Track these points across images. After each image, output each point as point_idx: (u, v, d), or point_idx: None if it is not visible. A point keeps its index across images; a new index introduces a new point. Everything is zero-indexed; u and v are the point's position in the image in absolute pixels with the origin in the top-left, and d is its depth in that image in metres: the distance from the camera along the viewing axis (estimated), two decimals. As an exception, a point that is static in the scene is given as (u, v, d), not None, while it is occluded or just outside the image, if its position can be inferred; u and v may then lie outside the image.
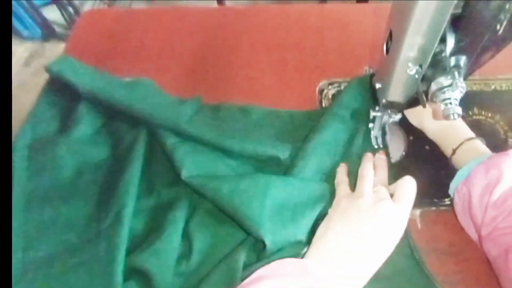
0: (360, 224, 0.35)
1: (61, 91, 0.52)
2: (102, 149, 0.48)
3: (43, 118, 0.51)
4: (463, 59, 0.34)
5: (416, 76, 0.35)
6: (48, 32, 1.70)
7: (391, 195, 0.38)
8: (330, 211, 0.39)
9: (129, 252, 0.39)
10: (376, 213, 0.36)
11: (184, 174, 0.42)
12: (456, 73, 0.33)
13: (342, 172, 0.44)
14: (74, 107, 0.51)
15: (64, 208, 0.43)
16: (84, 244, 0.40)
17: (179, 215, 0.41)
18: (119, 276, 0.37)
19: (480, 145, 0.41)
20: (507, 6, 0.28)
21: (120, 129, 0.49)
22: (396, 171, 0.44)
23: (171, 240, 0.39)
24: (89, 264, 0.38)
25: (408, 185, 0.38)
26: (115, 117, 0.50)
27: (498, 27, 0.30)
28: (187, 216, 0.42)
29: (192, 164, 0.43)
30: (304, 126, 0.49)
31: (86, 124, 0.49)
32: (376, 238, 0.35)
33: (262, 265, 0.34)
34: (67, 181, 0.45)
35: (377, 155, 0.45)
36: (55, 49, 1.67)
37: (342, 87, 0.53)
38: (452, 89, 0.34)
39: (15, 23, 1.63)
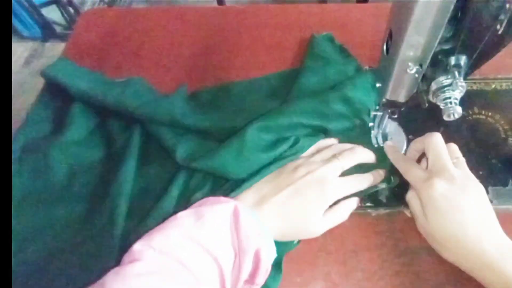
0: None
1: (55, 94, 0.52)
2: (95, 150, 0.48)
3: (36, 120, 0.51)
4: (463, 59, 0.34)
5: (416, 75, 0.35)
6: (48, 32, 1.70)
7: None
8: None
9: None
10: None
11: (192, 164, 0.42)
12: (456, 73, 0.33)
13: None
14: (67, 109, 0.50)
15: (57, 210, 0.43)
16: (77, 246, 0.40)
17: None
18: None
19: None
20: (507, 6, 0.28)
21: (114, 130, 0.49)
22: (396, 171, 0.44)
23: None
24: (82, 265, 0.38)
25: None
26: (109, 118, 0.50)
27: (498, 27, 0.30)
28: None
29: (197, 155, 0.43)
30: (282, 86, 0.52)
31: (79, 125, 0.49)
32: None
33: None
34: (60, 183, 0.45)
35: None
36: (55, 49, 1.67)
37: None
38: (452, 88, 0.34)
39: (15, 22, 1.63)
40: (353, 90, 0.45)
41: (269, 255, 0.35)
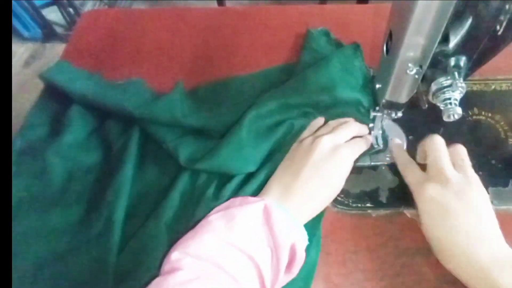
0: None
1: (54, 96, 0.52)
2: (93, 154, 0.48)
3: (34, 123, 0.51)
4: (463, 59, 0.34)
5: (416, 76, 0.35)
6: (48, 33, 1.70)
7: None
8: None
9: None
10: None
11: (195, 166, 0.42)
12: (456, 74, 0.33)
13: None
14: (65, 112, 0.50)
15: (54, 214, 0.42)
16: (74, 251, 0.39)
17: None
18: (110, 283, 0.36)
19: None
20: (507, 6, 0.28)
21: (112, 133, 0.49)
22: (396, 171, 0.44)
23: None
24: (79, 271, 0.38)
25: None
26: (107, 122, 0.50)
27: (498, 27, 0.30)
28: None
29: (199, 156, 0.43)
30: (279, 81, 0.51)
31: (77, 128, 0.49)
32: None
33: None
34: (57, 187, 0.45)
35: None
36: (56, 50, 1.68)
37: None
38: (452, 89, 0.34)
39: (15, 23, 1.63)
40: (331, 62, 0.47)
41: (303, 245, 0.35)
